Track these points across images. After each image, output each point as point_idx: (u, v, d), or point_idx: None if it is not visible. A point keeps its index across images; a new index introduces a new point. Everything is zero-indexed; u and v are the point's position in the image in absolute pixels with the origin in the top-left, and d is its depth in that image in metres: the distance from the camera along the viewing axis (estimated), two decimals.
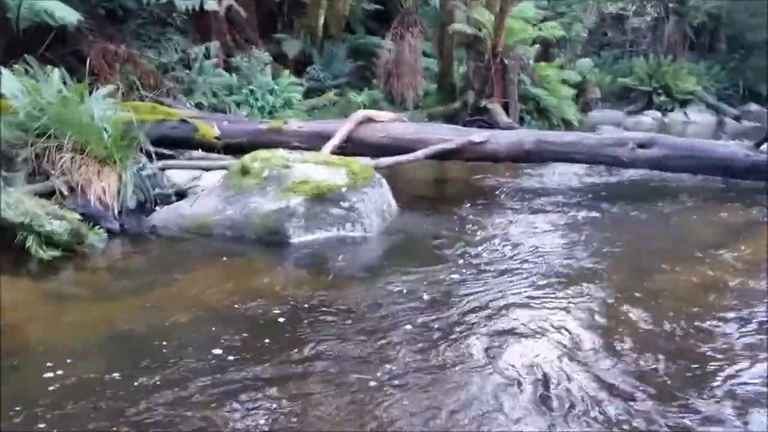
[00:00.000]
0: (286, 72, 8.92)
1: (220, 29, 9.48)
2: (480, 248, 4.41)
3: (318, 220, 4.55)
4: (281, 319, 3.24)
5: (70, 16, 6.49)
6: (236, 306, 3.38)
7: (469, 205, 5.63)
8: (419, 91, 10.91)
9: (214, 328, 3.13)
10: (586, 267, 4.05)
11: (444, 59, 11.10)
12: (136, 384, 2.59)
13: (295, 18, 10.91)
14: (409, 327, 3.16)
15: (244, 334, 3.07)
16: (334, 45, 10.48)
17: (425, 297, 3.52)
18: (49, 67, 5.43)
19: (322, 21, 10.56)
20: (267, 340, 3.00)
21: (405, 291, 3.59)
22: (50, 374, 2.66)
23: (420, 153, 6.05)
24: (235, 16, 9.80)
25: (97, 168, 4.82)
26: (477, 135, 6.29)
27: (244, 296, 3.52)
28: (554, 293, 3.62)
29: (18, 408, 2.40)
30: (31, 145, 4.75)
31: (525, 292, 3.63)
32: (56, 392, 2.53)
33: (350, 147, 6.18)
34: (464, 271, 3.92)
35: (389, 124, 6.50)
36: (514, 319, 3.25)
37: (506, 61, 10.36)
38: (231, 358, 2.83)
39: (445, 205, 5.62)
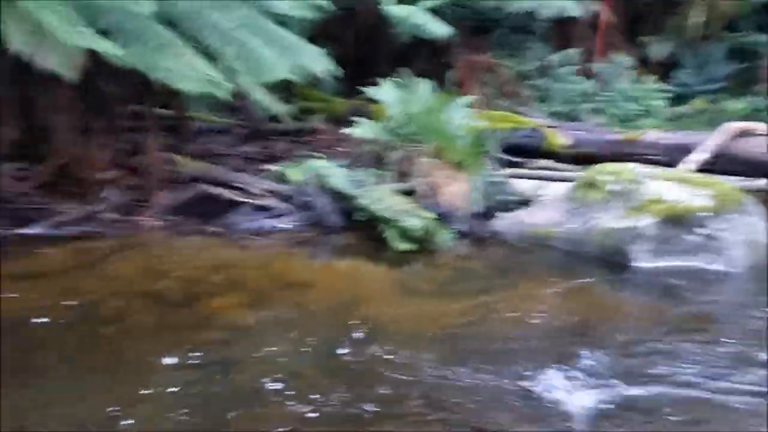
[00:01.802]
0: (650, 77, 8.27)
1: (582, 35, 9.31)
2: None
3: (668, 245, 4.11)
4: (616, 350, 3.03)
5: (441, 30, 7.15)
6: (569, 324, 3.30)
7: None
8: None
9: (545, 341, 3.10)
10: None
11: None
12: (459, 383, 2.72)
13: (667, 19, 10.01)
14: None
15: (580, 353, 2.95)
16: (711, 46, 9.30)
17: None
18: (419, 78, 6.05)
19: (698, 19, 9.47)
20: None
21: None
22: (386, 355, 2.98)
23: None
24: (599, 20, 9.49)
25: (451, 172, 5.20)
26: None
27: (579, 315, 3.42)
28: None
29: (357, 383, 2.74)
30: (400, 149, 5.37)
31: None
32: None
33: (719, 164, 5.43)
34: None
35: None
36: None
37: None
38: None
39: None
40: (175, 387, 2.64)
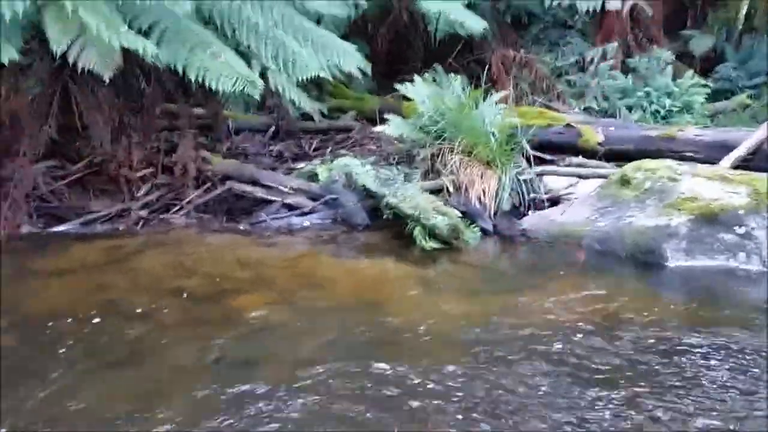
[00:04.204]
0: (690, 72, 8.00)
1: (622, 29, 9.09)
2: None
3: (703, 244, 3.99)
4: (643, 355, 2.95)
5: (476, 25, 7.05)
6: (596, 328, 3.21)
7: None
8: None
9: (564, 344, 3.04)
10: None
11: None
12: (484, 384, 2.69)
13: (710, 11, 9.70)
14: None
15: (595, 361, 2.89)
16: (756, 39, 8.96)
17: None
18: (452, 74, 6.00)
19: (744, 12, 9.15)
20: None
21: None
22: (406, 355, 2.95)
23: None
24: (640, 13, 9.25)
25: (481, 170, 5.15)
26: None
27: (605, 318, 3.33)
28: None
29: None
30: (430, 146, 5.35)
31: None
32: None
33: (759, 161, 5.24)
34: None
35: None
36: None
37: None
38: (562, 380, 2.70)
39: None
40: (198, 384, 2.68)
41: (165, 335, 3.09)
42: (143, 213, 4.74)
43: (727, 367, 2.79)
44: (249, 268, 3.96)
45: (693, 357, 2.89)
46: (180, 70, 4.45)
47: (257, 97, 4.68)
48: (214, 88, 4.58)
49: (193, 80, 4.49)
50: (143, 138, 5.15)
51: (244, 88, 4.48)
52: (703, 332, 3.12)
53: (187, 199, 4.89)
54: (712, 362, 2.84)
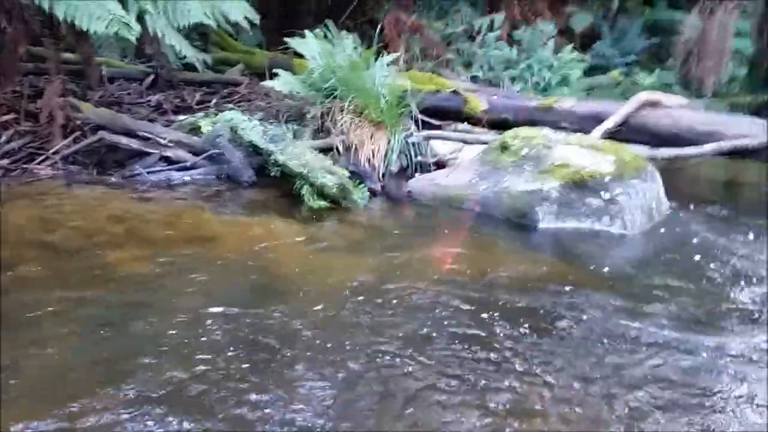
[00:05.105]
0: (569, 47, 8.45)
1: (509, 1, 9.37)
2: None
3: (572, 208, 4.26)
4: (518, 304, 3.13)
5: None
6: (470, 282, 3.36)
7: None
8: (723, 77, 9.43)
9: (445, 297, 3.16)
10: None
11: (765, 40, 9.38)
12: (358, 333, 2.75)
13: None
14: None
15: (469, 310, 3.03)
16: (628, 20, 9.60)
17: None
18: (344, 32, 5.92)
19: None
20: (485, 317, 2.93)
21: (653, 310, 3.17)
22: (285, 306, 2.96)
23: (709, 147, 5.23)
24: None
25: (370, 131, 5.16)
26: None
27: (480, 274, 3.48)
28: None
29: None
30: (320, 104, 5.27)
31: None
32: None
33: (626, 132, 5.64)
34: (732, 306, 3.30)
35: (677, 110, 5.75)
36: None
37: None
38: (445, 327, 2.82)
39: (733, 213, 4.78)
40: (62, 339, 2.52)
41: (28, 289, 2.86)
42: (4, 162, 4.33)
43: (568, 324, 2.99)
44: (122, 222, 3.74)
45: (539, 313, 3.08)
46: (45, 8, 4.06)
47: (133, 41, 4.36)
48: (84, 29, 4.24)
49: (61, 20, 4.12)
50: (4, 81, 4.68)
51: (118, 30, 4.17)
52: (554, 288, 3.34)
53: (54, 149, 4.51)
54: (556, 321, 3.02)
